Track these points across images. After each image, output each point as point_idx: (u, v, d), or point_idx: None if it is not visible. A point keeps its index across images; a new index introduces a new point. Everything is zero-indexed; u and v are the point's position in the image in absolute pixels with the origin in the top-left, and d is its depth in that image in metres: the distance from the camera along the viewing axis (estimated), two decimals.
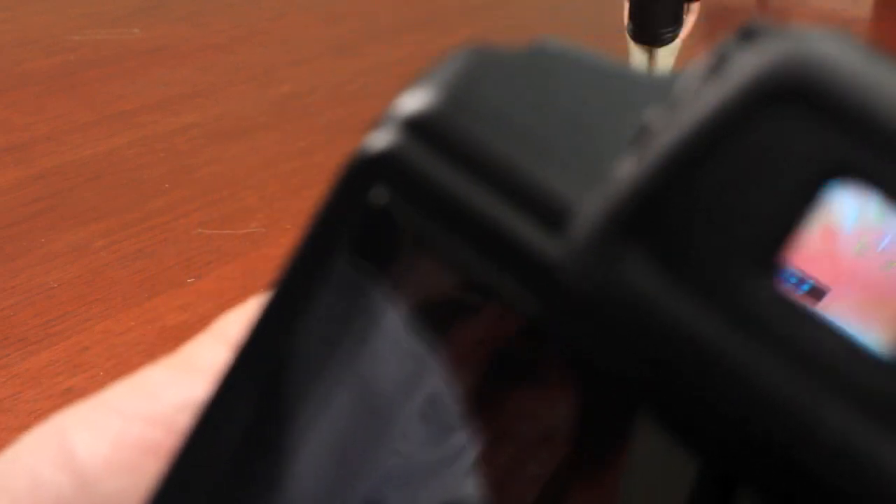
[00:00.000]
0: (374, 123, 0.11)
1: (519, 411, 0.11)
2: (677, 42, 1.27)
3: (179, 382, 0.16)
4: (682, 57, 1.30)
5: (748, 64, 0.08)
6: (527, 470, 0.11)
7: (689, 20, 1.28)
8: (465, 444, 0.10)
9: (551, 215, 0.09)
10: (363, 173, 0.10)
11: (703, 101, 0.08)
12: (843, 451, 0.08)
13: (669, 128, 0.08)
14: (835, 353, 0.08)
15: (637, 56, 1.29)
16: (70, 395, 0.83)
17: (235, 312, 0.15)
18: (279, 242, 1.10)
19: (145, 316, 0.93)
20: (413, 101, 0.10)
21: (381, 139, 0.10)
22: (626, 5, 1.27)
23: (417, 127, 0.10)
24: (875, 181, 0.08)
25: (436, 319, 0.11)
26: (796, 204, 0.08)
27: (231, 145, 1.29)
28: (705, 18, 1.68)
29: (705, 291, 0.08)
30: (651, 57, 1.28)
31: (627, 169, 0.08)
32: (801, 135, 0.08)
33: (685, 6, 1.27)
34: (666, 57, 1.27)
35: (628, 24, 1.28)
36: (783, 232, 0.08)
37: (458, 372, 0.11)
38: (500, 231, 0.09)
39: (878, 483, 0.08)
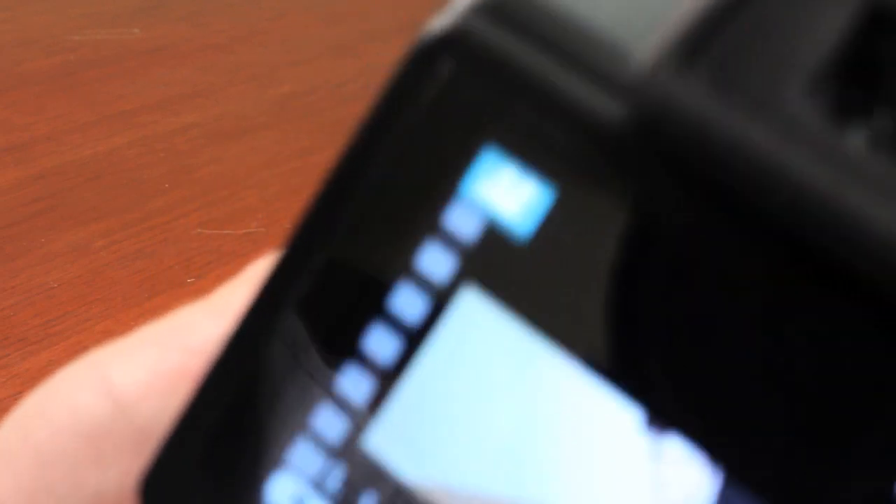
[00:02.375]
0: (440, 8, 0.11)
1: None
2: None
3: (215, 320, 0.17)
4: None
5: None
6: None
7: None
8: None
9: (614, 71, 0.10)
10: (431, 50, 0.11)
11: None
12: (867, 235, 0.09)
13: None
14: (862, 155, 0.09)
15: None
16: None
17: (266, 258, 0.16)
18: (279, 242, 1.10)
19: (145, 316, 0.93)
20: None
21: (446, 19, 0.11)
22: None
23: (480, 8, 0.11)
24: None
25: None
26: (837, 30, 0.09)
27: (231, 145, 1.29)
28: None
29: (758, 109, 0.09)
30: None
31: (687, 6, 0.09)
32: None
33: None
34: None
35: None
36: (827, 55, 0.09)
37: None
38: (567, 89, 0.10)
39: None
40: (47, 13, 1.78)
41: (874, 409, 0.09)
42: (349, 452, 0.11)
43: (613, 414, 0.09)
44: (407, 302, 0.11)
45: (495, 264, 0.10)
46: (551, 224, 0.10)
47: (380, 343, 0.11)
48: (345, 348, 0.11)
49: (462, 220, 0.10)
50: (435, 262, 0.11)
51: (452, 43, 0.11)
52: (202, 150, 1.29)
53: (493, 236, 0.10)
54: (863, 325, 0.09)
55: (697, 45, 0.09)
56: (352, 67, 1.55)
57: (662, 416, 0.09)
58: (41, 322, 0.93)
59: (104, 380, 0.16)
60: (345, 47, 1.74)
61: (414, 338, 0.10)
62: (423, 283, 0.11)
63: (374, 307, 0.11)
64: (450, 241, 0.10)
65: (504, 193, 0.10)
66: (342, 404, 0.11)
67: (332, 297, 0.11)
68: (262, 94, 1.46)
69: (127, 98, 1.44)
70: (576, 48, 0.10)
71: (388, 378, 0.11)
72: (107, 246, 1.06)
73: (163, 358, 0.16)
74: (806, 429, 0.09)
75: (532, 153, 0.10)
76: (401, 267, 0.11)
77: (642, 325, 0.09)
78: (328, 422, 0.12)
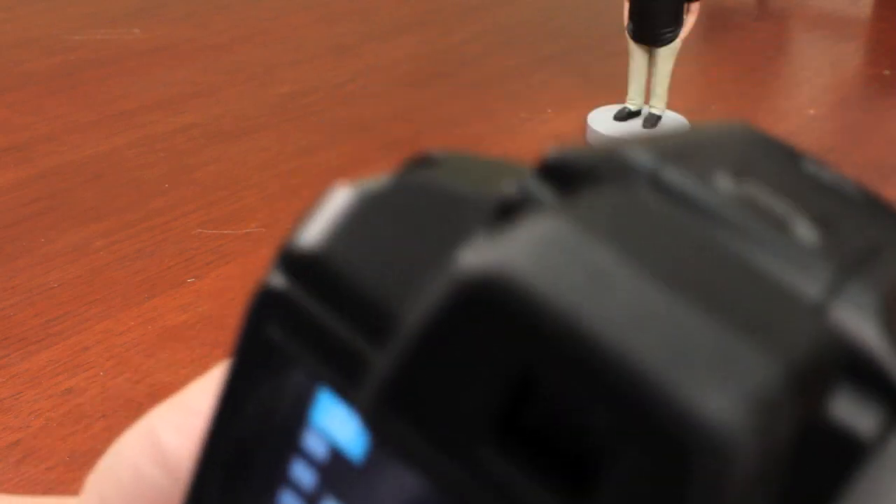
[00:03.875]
0: (272, 260, 0.12)
1: None
2: (677, 42, 1.27)
3: None
4: (681, 57, 1.30)
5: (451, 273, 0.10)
6: None
7: (689, 20, 1.28)
8: None
9: (380, 330, 0.11)
10: (261, 308, 0.13)
11: (422, 303, 0.10)
12: None
13: (409, 319, 0.10)
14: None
15: (637, 56, 1.29)
16: (70, 396, 0.83)
17: None
18: (279, 242, 1.10)
19: (145, 316, 0.93)
20: (294, 244, 0.12)
21: (271, 279, 0.12)
22: (626, 5, 1.27)
23: (294, 269, 0.12)
24: None
25: None
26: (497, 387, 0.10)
27: (231, 145, 1.29)
28: (705, 18, 1.68)
29: (447, 451, 0.10)
30: (651, 57, 1.28)
31: (381, 359, 0.11)
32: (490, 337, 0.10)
33: (685, 6, 1.27)
34: (666, 57, 1.27)
35: (628, 24, 1.28)
36: (489, 410, 0.10)
37: None
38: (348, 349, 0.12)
39: None
40: (47, 13, 1.78)
41: None
42: None
43: None
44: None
45: (343, 482, 0.12)
46: (376, 448, 0.12)
47: None
48: None
49: (315, 445, 0.13)
50: (302, 475, 0.13)
51: (272, 304, 0.12)
52: (202, 150, 1.29)
53: (338, 459, 0.12)
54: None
55: (394, 395, 0.10)
56: (352, 67, 1.55)
57: None
58: (41, 322, 0.93)
59: (158, 449, 0.18)
60: (345, 47, 1.74)
61: None
62: (298, 491, 0.13)
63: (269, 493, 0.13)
64: (310, 461, 0.13)
65: (339, 423, 0.12)
66: None
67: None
68: (262, 94, 1.46)
69: (127, 98, 1.44)
70: (347, 317, 0.12)
71: None
72: (107, 246, 1.06)
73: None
74: None
75: (347, 396, 0.12)
76: (281, 478, 0.13)
77: None
78: None
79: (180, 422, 0.18)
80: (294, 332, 0.12)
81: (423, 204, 0.12)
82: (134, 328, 0.91)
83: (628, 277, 0.09)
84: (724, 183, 0.11)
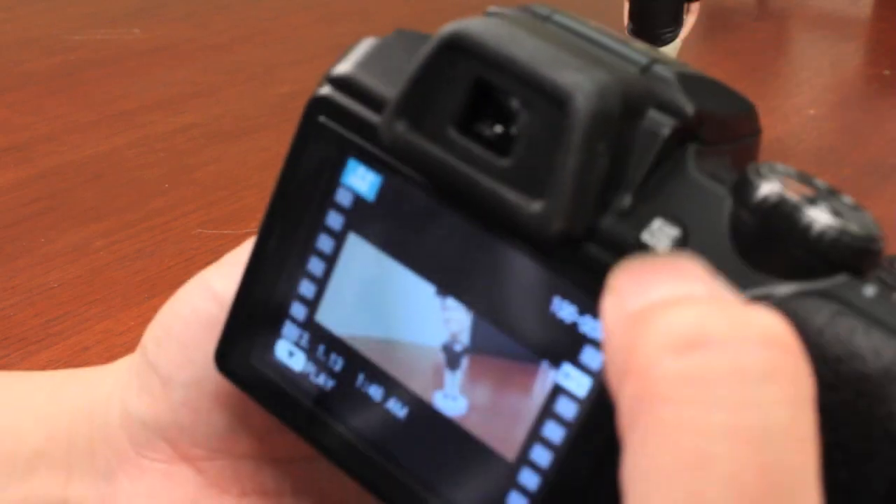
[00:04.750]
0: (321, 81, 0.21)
1: None
2: (677, 42, 1.27)
3: None
4: (682, 57, 1.30)
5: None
6: None
7: (689, 20, 1.28)
8: None
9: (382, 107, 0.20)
10: (315, 106, 0.21)
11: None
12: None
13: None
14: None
15: None
16: None
17: None
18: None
19: (145, 316, 0.93)
20: (334, 69, 0.21)
21: (322, 89, 0.21)
22: (626, 5, 1.27)
23: (334, 82, 0.21)
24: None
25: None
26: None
27: (231, 145, 1.29)
28: (705, 18, 1.68)
29: (433, 138, 0.19)
30: None
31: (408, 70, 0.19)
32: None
33: (685, 6, 1.27)
34: None
35: (628, 24, 1.28)
36: (457, 108, 0.19)
37: None
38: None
39: None
40: (47, 13, 1.78)
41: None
42: (311, 324, 0.22)
43: (429, 293, 0.20)
44: (326, 240, 0.21)
45: (361, 220, 0.21)
46: (383, 192, 0.21)
47: (321, 246, 0.22)
48: (305, 247, 0.22)
49: (342, 197, 0.21)
50: (334, 221, 0.21)
51: (322, 105, 0.21)
52: (202, 150, 1.29)
53: (358, 202, 0.21)
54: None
55: (406, 101, 0.19)
56: None
57: (444, 288, 0.20)
58: (41, 322, 0.93)
59: (209, 290, 0.24)
60: (345, 47, 1.72)
61: (330, 258, 0.21)
62: (330, 233, 0.21)
63: (310, 238, 0.22)
64: (339, 209, 0.21)
65: (360, 179, 0.21)
66: (304, 291, 0.22)
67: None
68: (262, 94, 1.46)
69: (127, 98, 1.44)
70: (380, 103, 0.20)
71: (327, 270, 0.22)
72: (107, 246, 1.06)
73: None
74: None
75: (367, 159, 0.21)
76: (319, 223, 0.21)
77: (442, 253, 0.20)
78: (298, 304, 0.22)
79: (226, 271, 0.24)
80: (335, 119, 0.21)
81: (414, 40, 0.21)
82: (134, 328, 0.91)
83: (533, 38, 0.18)
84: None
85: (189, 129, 1.32)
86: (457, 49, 0.18)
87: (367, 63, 0.21)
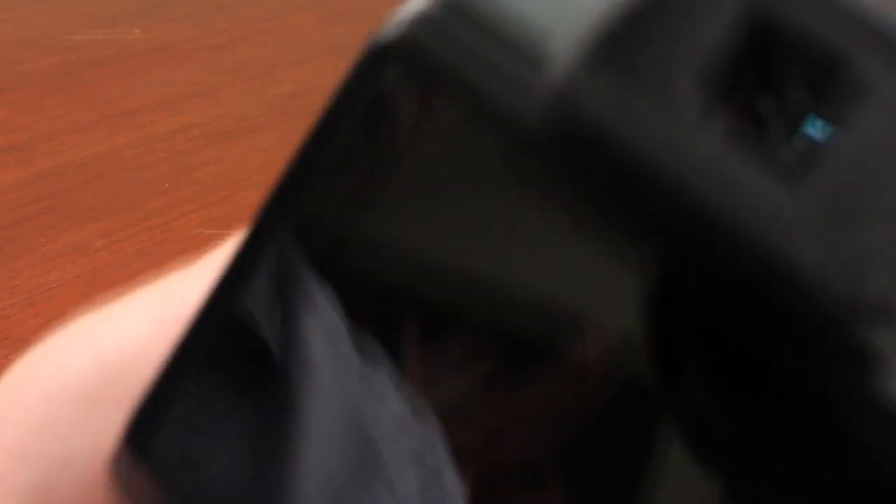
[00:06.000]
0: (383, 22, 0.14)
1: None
2: None
3: (197, 288, 0.17)
4: None
5: None
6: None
7: None
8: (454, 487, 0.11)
9: (536, 62, 0.11)
10: (379, 58, 0.14)
11: None
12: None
13: None
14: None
15: None
16: None
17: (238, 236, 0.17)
18: None
19: None
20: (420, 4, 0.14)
21: (394, 31, 0.13)
22: None
23: (425, 21, 0.13)
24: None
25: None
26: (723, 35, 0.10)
27: (231, 145, 1.29)
28: None
29: (659, 119, 0.10)
30: None
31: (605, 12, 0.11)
32: None
33: None
34: None
35: None
36: (717, 58, 0.10)
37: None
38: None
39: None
40: (47, 13, 1.78)
41: None
42: None
43: None
44: None
45: None
46: None
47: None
48: None
49: None
50: None
51: (398, 52, 0.13)
52: (202, 150, 1.28)
53: None
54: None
55: (604, 54, 0.10)
56: None
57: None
58: (41, 322, 0.92)
59: (94, 345, 0.16)
60: (345, 47, 1.72)
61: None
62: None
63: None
64: None
65: None
66: None
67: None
68: (262, 94, 1.46)
69: (127, 98, 1.44)
70: (500, 59, 0.11)
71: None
72: (107, 246, 1.06)
73: (150, 324, 0.16)
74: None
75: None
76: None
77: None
78: None
79: (121, 320, 0.18)
80: (423, 72, 0.13)
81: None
82: None
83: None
84: None
85: (189, 129, 1.32)
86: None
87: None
